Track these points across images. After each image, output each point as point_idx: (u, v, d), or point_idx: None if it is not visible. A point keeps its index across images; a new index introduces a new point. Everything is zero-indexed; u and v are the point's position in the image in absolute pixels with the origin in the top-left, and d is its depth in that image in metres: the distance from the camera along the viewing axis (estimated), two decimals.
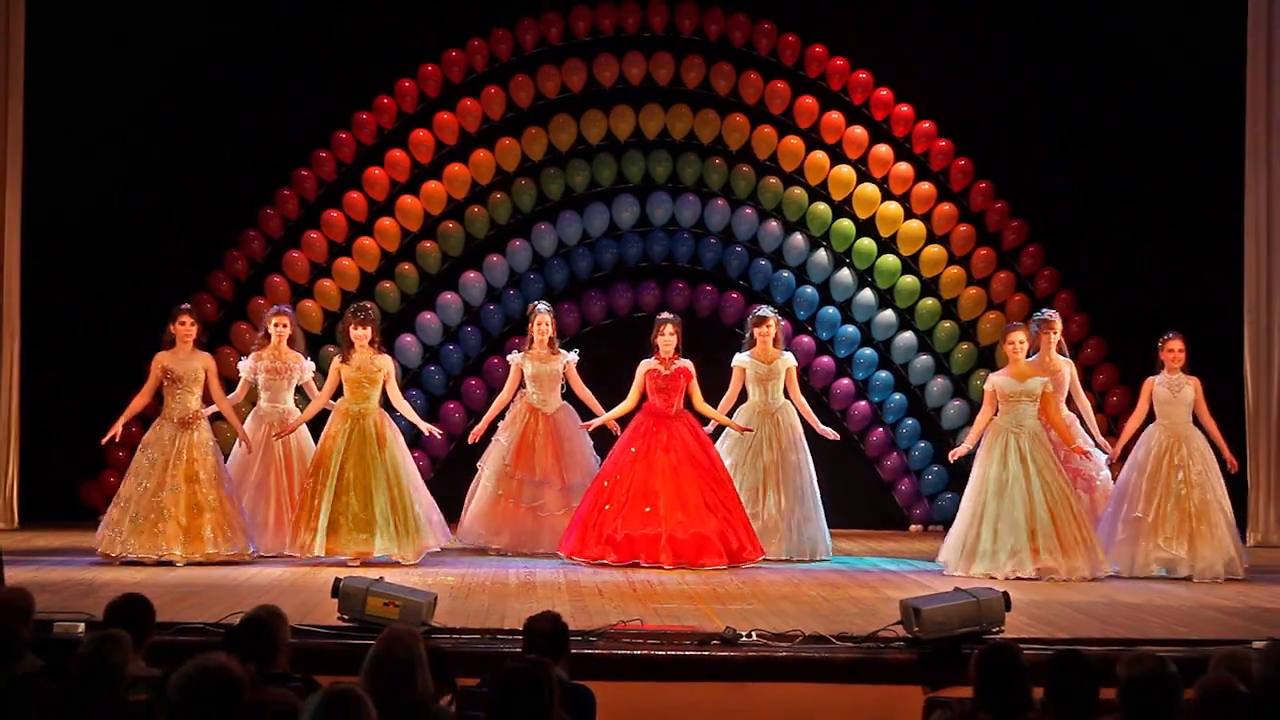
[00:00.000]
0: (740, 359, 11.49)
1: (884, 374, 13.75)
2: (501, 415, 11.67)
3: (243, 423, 11.13)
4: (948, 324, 13.67)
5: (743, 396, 11.51)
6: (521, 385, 11.65)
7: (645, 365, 11.17)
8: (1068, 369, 11.22)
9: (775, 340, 11.48)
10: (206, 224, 13.30)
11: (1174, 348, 10.90)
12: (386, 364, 10.92)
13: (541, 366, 11.56)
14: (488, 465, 11.57)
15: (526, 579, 10.11)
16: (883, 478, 13.76)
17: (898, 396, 13.75)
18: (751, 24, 13.76)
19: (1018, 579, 10.12)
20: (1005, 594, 7.80)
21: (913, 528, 13.71)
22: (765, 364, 11.43)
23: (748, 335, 11.56)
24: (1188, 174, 13.50)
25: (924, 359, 13.70)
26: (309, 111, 13.51)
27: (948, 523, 13.47)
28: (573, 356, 11.60)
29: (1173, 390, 10.84)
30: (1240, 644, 6.54)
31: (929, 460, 13.73)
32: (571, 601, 9.06)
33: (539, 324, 11.57)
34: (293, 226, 13.51)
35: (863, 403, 13.63)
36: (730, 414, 11.40)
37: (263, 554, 10.91)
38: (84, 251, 13.24)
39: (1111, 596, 9.61)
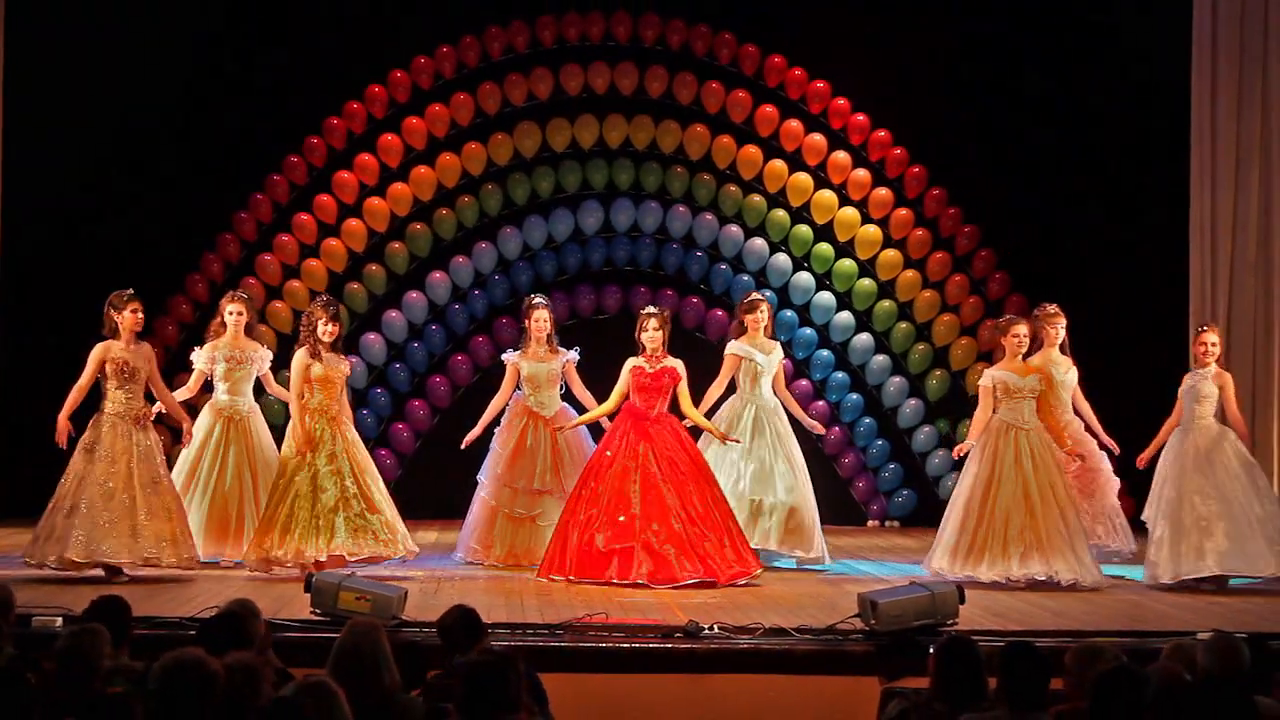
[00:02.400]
0: (737, 348, 10.50)
1: (840, 375, 13.80)
2: (497, 420, 10.69)
3: (192, 417, 10.16)
4: (904, 325, 13.73)
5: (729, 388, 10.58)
6: (518, 386, 10.65)
7: (631, 363, 9.93)
8: (1072, 367, 10.45)
9: (767, 329, 10.58)
10: (182, 227, 13.25)
11: (1207, 340, 10.00)
12: (347, 366, 9.95)
13: (539, 366, 10.52)
14: (484, 474, 10.57)
15: (495, 575, 10.09)
16: (840, 475, 13.79)
17: (854, 396, 13.80)
18: (712, 35, 13.79)
19: (1004, 582, 9.52)
20: (959, 587, 7.86)
21: (870, 523, 13.76)
22: (765, 354, 10.47)
23: (736, 321, 10.65)
24: (1136, 184, 13.60)
25: (880, 359, 13.75)
26: (281, 116, 13.49)
27: (904, 518, 13.64)
28: (573, 355, 10.60)
29: (1203, 386, 9.96)
30: (1186, 636, 6.58)
31: (885, 458, 13.79)
32: (538, 596, 9.08)
33: (536, 320, 10.53)
34: (266, 229, 13.47)
35: (820, 402, 13.66)
36: (717, 404, 10.44)
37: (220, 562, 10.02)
38: (61, 254, 13.16)
39: (1063, 589, 9.63)
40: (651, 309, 10.10)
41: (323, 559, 9.35)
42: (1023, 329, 9.96)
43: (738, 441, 10.25)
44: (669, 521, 9.54)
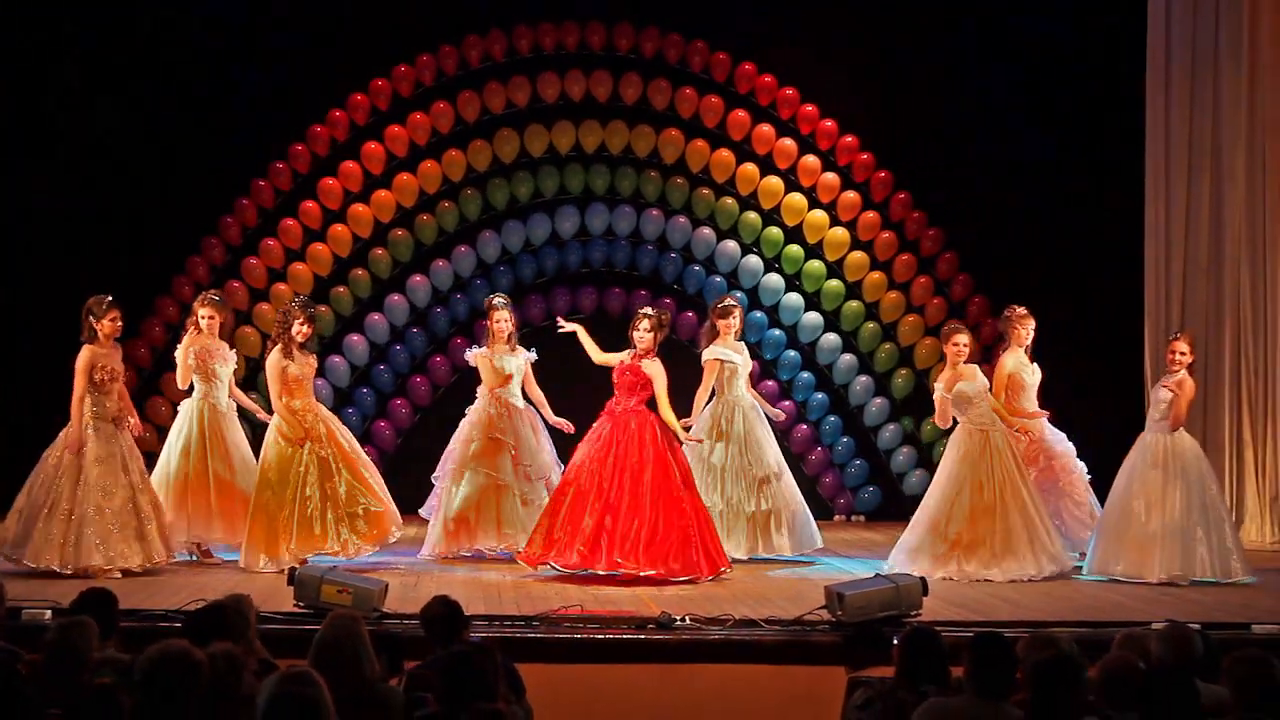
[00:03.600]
0: (717, 352, 10.47)
1: (807, 374, 13.82)
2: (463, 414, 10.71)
3: (178, 414, 10.28)
4: (870, 325, 13.75)
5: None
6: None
7: (627, 353, 9.94)
8: (1037, 368, 10.50)
9: (737, 332, 10.59)
10: (168, 231, 13.20)
11: (1176, 349, 9.99)
12: (314, 359, 10.10)
13: (509, 360, 10.54)
14: (495, 468, 10.40)
15: (473, 568, 10.10)
16: (807, 471, 13.80)
17: (821, 395, 13.82)
18: (684, 43, 13.79)
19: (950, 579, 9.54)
20: (923, 579, 7.91)
21: (836, 518, 13.78)
22: (740, 355, 10.50)
23: (708, 324, 10.62)
24: (1094, 187, 13.65)
25: (847, 358, 13.77)
26: (266, 124, 13.44)
27: (870, 513, 13.67)
28: (532, 355, 10.69)
29: (1160, 392, 10.00)
30: (1140, 625, 6.62)
31: (851, 454, 13.82)
32: (516, 589, 9.09)
33: (499, 320, 10.55)
34: (251, 234, 13.45)
35: (788, 401, 13.67)
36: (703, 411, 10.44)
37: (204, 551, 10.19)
38: (51, 256, 13.09)
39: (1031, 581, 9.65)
40: (649, 310, 10.01)
41: (333, 550, 9.59)
42: (964, 338, 9.99)
43: (701, 441, 10.25)
44: (618, 515, 9.39)
